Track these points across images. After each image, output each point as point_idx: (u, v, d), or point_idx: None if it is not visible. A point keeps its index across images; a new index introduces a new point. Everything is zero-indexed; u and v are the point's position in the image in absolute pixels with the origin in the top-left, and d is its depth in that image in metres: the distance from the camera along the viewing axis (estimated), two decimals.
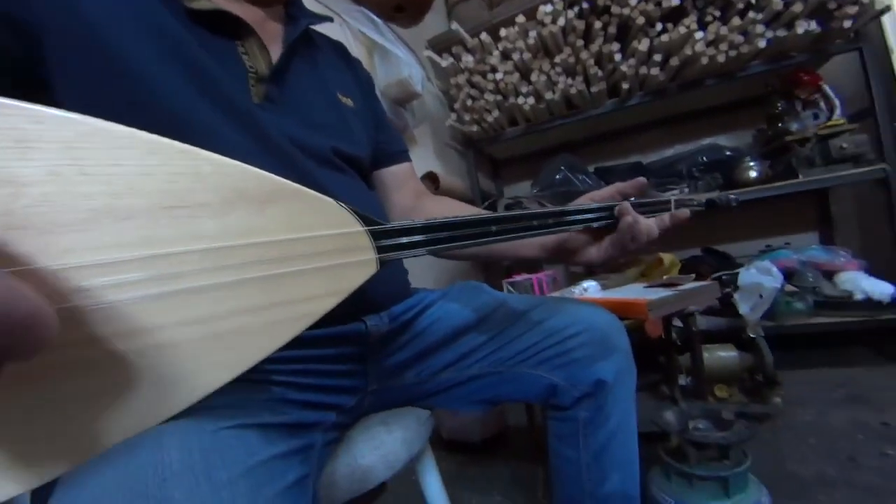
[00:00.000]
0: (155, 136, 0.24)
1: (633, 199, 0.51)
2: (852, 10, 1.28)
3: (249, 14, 0.51)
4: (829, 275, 1.50)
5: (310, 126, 0.51)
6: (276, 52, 0.51)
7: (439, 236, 0.35)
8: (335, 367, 0.48)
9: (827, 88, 1.45)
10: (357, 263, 0.30)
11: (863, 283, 1.37)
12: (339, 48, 0.68)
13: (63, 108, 0.22)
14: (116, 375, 0.22)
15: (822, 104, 1.46)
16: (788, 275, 1.50)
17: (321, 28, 0.62)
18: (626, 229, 0.47)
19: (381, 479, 0.50)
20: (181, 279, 0.23)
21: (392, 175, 0.68)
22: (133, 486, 0.25)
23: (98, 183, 0.22)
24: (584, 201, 0.52)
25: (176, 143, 0.24)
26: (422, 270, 1.47)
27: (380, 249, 0.31)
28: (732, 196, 0.58)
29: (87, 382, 0.21)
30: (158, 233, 0.23)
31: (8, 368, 0.17)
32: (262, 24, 0.53)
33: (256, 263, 0.25)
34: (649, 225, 0.48)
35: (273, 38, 0.53)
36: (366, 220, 0.30)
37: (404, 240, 0.33)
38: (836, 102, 1.44)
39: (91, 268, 0.21)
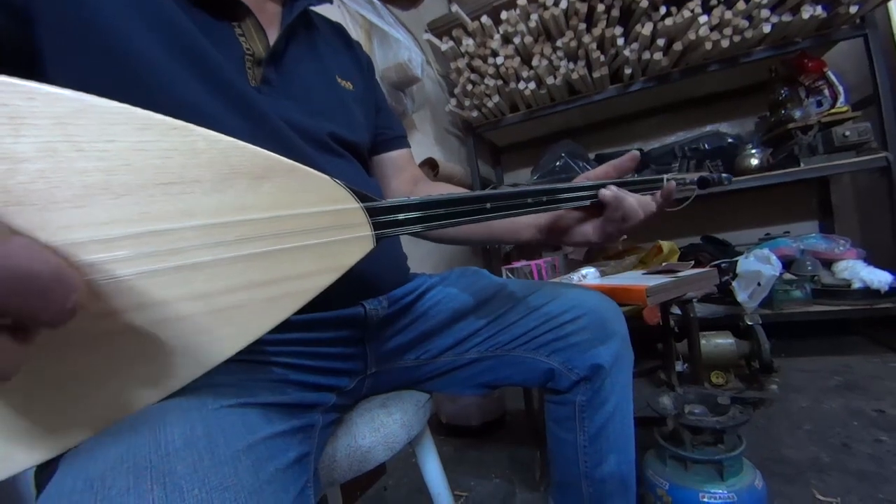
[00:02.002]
0: (148, 112, 0.24)
1: (627, 177, 0.51)
2: None
3: None
4: (828, 263, 1.50)
5: (308, 110, 0.50)
6: (273, 35, 0.50)
7: (435, 213, 0.35)
8: (335, 349, 0.48)
9: (831, 75, 1.44)
10: (354, 240, 0.29)
11: (861, 272, 1.37)
12: (338, 30, 0.67)
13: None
14: (123, 349, 0.22)
15: (826, 91, 1.44)
16: (787, 263, 1.50)
17: (319, 9, 0.61)
18: (614, 206, 0.47)
19: (381, 461, 0.51)
20: (178, 255, 0.23)
21: (391, 161, 0.68)
22: (137, 461, 0.26)
23: (93, 159, 0.22)
24: (580, 181, 0.51)
25: (169, 119, 0.24)
26: (421, 256, 1.48)
27: (376, 226, 0.31)
28: (725, 175, 0.58)
29: (95, 355, 0.22)
30: (154, 209, 0.22)
31: (42, 335, 0.18)
32: (260, 5, 0.52)
33: (253, 240, 0.25)
34: (642, 201, 0.48)
35: (271, 19, 0.52)
36: (361, 197, 0.30)
37: (400, 216, 0.33)
38: (841, 90, 1.42)
39: (90, 244, 0.21)
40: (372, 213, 0.31)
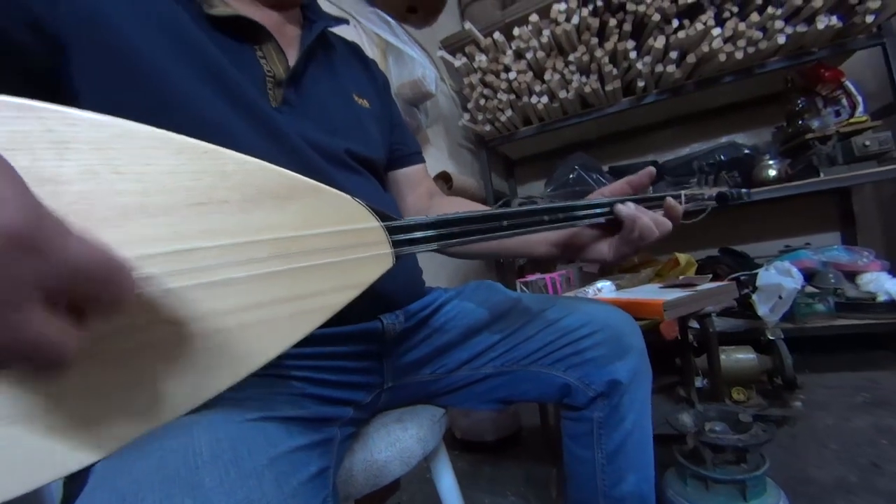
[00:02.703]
0: (181, 137, 0.25)
1: (640, 194, 0.51)
2: (875, 4, 1.25)
3: (267, 18, 0.52)
4: (852, 276, 1.46)
5: (326, 128, 0.52)
6: (292, 56, 0.52)
7: (451, 231, 0.36)
8: (352, 363, 0.49)
9: (849, 84, 1.42)
10: (374, 257, 0.30)
11: (886, 285, 1.33)
12: (354, 49, 0.69)
13: (85, 109, 0.23)
14: (156, 362, 0.23)
15: (843, 101, 1.42)
16: (809, 276, 1.47)
17: (336, 29, 0.63)
18: (630, 226, 0.47)
19: (397, 475, 0.51)
20: (208, 272, 0.24)
21: (406, 176, 0.69)
22: (167, 473, 0.27)
23: (130, 181, 0.23)
24: (595, 197, 0.52)
25: (201, 143, 0.25)
26: (435, 270, 1.48)
27: (395, 244, 0.32)
28: (744, 190, 0.58)
29: (130, 367, 0.23)
30: (187, 228, 0.24)
31: (97, 322, 0.20)
32: (280, 28, 0.54)
33: (278, 258, 0.26)
34: (658, 220, 0.48)
35: (290, 41, 0.54)
36: (381, 216, 0.31)
37: (418, 234, 0.33)
38: (859, 99, 1.40)
39: (130, 261, 0.22)
40: (391, 231, 0.32)
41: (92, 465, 0.24)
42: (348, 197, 0.30)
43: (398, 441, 0.52)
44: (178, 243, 0.23)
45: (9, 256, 0.15)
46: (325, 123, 0.52)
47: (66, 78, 0.39)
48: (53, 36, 0.38)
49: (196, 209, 0.24)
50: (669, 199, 0.51)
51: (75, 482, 0.32)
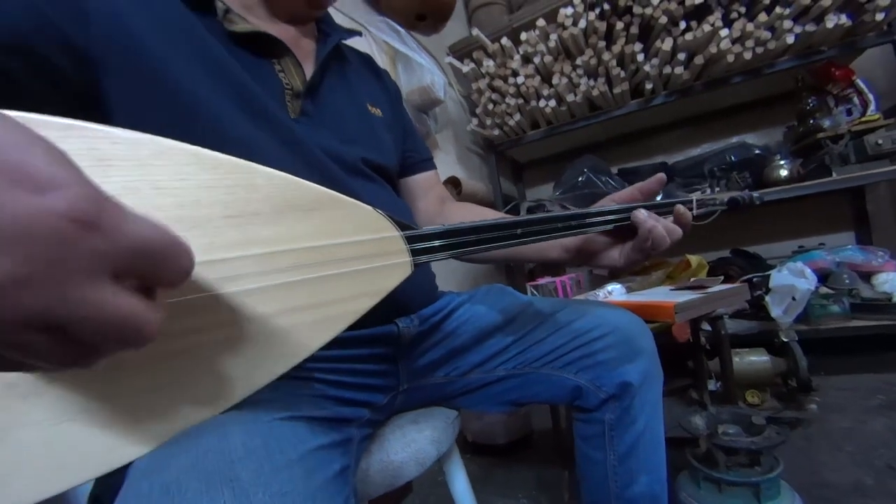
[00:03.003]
0: (213, 153, 0.26)
1: (653, 200, 0.51)
2: (884, 1, 1.24)
3: (284, 33, 0.54)
4: (867, 276, 1.45)
5: (342, 138, 0.53)
6: (309, 69, 0.54)
7: (468, 239, 0.37)
8: (369, 366, 0.50)
9: (860, 83, 1.41)
10: (394, 266, 0.32)
11: None
12: (367, 60, 0.71)
13: (118, 126, 0.25)
14: (192, 365, 0.25)
15: (855, 99, 1.41)
16: (823, 276, 1.45)
17: (349, 41, 0.65)
18: (644, 235, 0.48)
19: (412, 476, 0.52)
20: (240, 281, 0.25)
21: (417, 183, 0.71)
22: (205, 468, 0.28)
23: (168, 196, 0.24)
24: (605, 203, 0.53)
25: (232, 159, 0.27)
26: (446, 274, 1.49)
27: (413, 252, 0.33)
28: (756, 194, 0.58)
29: (168, 371, 0.25)
30: (219, 239, 0.25)
31: (162, 296, 0.21)
32: (296, 42, 0.56)
33: (304, 267, 0.28)
34: (669, 228, 0.49)
35: (306, 54, 0.56)
36: (401, 226, 0.33)
37: (436, 243, 0.35)
38: (871, 97, 1.39)
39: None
40: (410, 240, 0.33)
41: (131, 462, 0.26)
42: (369, 208, 0.31)
43: (413, 442, 0.53)
44: (211, 254, 0.25)
45: (77, 235, 0.16)
46: (341, 133, 0.54)
47: (102, 96, 0.41)
48: (86, 57, 0.40)
49: (229, 221, 0.25)
50: (679, 207, 0.52)
51: (108, 480, 0.34)
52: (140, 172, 0.24)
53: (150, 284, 0.20)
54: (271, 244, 0.27)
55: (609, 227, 0.49)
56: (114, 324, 0.17)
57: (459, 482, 0.63)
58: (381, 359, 0.52)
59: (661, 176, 0.53)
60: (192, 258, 0.21)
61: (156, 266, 0.19)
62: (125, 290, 0.18)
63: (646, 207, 0.50)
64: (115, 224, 0.17)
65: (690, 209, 0.53)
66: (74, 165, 0.18)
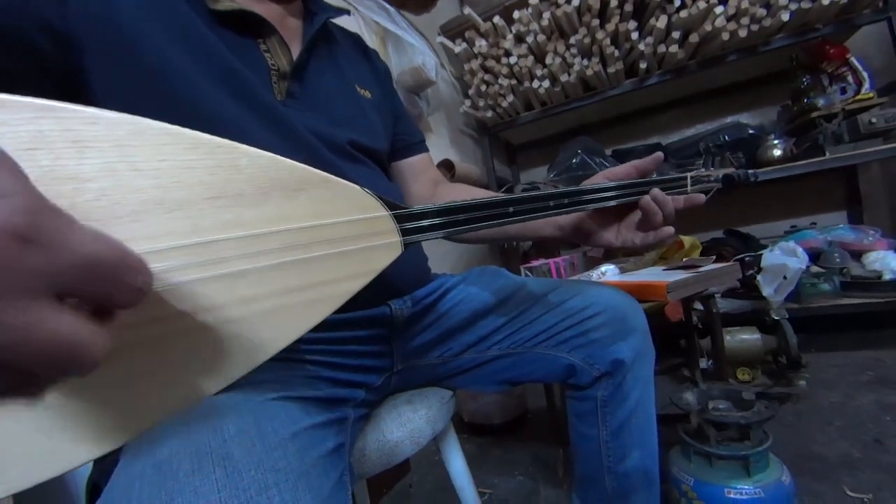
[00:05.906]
0: (195, 132, 0.26)
1: (651, 176, 0.51)
2: None
3: (270, 12, 0.52)
4: (858, 255, 1.46)
5: (330, 120, 0.52)
6: (296, 49, 0.53)
7: (459, 218, 0.37)
8: (363, 347, 0.51)
9: (855, 61, 1.40)
10: (383, 246, 0.31)
11: (892, 263, 1.33)
12: (356, 40, 0.69)
13: (100, 108, 0.24)
14: (178, 350, 0.24)
15: (849, 78, 1.40)
16: (814, 255, 1.47)
17: (337, 20, 0.63)
18: (650, 217, 0.49)
19: (408, 454, 0.53)
20: (225, 264, 0.25)
21: (410, 166, 0.70)
22: (198, 447, 0.29)
23: (148, 177, 0.24)
24: (599, 180, 0.52)
25: (214, 138, 0.26)
26: (440, 256, 1.49)
27: (403, 232, 0.33)
28: (751, 171, 0.58)
29: (153, 357, 0.24)
30: (203, 222, 0.25)
31: (119, 318, 0.19)
32: (283, 21, 0.54)
33: (291, 248, 0.27)
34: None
35: (293, 34, 0.54)
36: (389, 205, 0.32)
37: (425, 222, 0.34)
38: (865, 76, 1.39)
39: (147, 255, 0.23)
40: (400, 219, 0.32)
41: (122, 446, 0.26)
42: (357, 187, 0.31)
43: (409, 422, 0.54)
44: (196, 236, 0.24)
45: (10, 250, 0.14)
46: (328, 115, 0.53)
47: (84, 78, 0.40)
48: (66, 36, 0.39)
49: (212, 203, 0.25)
50: (694, 185, 0.52)
51: (103, 461, 0.34)
52: (118, 153, 0.23)
53: (101, 305, 0.18)
54: (257, 226, 0.26)
55: (608, 203, 0.49)
56: (52, 348, 0.15)
57: (456, 461, 0.64)
58: (375, 340, 0.52)
59: (659, 155, 0.52)
60: (149, 275, 0.19)
61: (105, 284, 0.17)
62: (68, 312, 0.16)
63: (634, 185, 0.50)
64: (56, 239, 0.16)
65: (685, 186, 0.53)
66: (17, 172, 0.16)
